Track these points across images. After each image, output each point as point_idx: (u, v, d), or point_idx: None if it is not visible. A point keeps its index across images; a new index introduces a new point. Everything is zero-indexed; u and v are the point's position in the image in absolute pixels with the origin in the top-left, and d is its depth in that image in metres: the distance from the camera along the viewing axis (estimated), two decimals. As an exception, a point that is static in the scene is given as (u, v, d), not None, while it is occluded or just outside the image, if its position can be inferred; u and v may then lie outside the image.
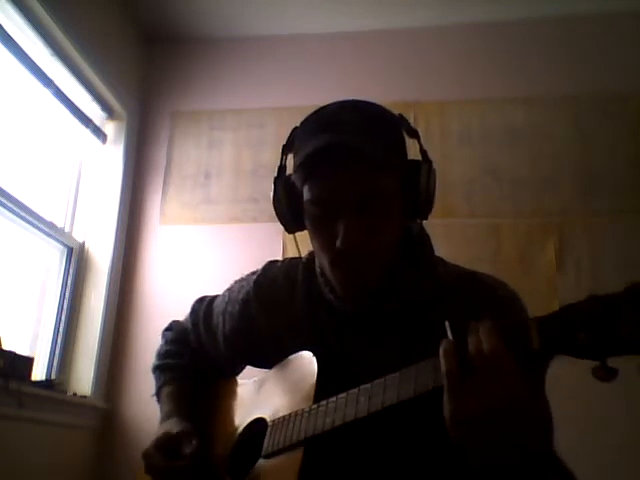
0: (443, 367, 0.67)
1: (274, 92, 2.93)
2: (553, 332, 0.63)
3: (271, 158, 2.81)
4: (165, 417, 1.11)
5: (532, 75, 2.76)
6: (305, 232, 0.96)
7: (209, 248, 2.77)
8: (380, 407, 0.76)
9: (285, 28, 2.98)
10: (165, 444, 1.01)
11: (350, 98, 0.93)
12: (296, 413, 0.88)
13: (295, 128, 0.96)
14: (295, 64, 2.96)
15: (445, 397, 0.67)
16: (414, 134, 0.93)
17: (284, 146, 0.97)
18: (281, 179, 0.96)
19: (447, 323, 0.70)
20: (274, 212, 0.97)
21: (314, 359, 0.91)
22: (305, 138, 0.89)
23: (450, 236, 2.48)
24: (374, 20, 2.90)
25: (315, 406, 0.85)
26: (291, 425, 0.87)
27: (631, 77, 2.67)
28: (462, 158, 2.66)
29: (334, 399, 0.83)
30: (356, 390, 0.80)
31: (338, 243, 0.84)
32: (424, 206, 0.91)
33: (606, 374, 0.60)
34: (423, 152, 0.93)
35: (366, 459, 0.86)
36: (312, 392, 0.88)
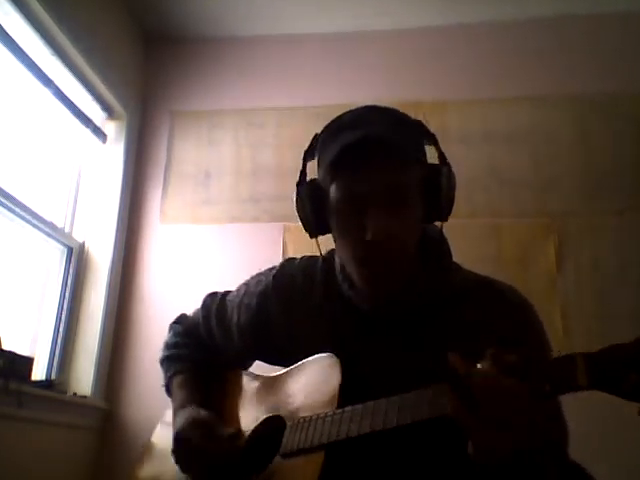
0: (449, 406, 0.69)
1: (274, 92, 2.93)
2: (602, 370, 0.63)
3: (271, 158, 2.81)
4: (180, 405, 1.10)
5: (533, 75, 2.75)
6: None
7: (209, 248, 2.77)
8: (409, 421, 0.76)
9: (284, 28, 2.98)
10: (203, 426, 1.01)
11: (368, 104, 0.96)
12: (318, 416, 0.88)
13: (316, 134, 0.97)
14: (295, 64, 2.96)
15: (469, 440, 0.69)
16: (432, 138, 0.95)
17: (305, 152, 0.98)
18: (304, 184, 0.96)
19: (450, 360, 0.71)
20: (297, 216, 0.98)
21: (338, 362, 0.91)
22: (331, 138, 0.91)
23: (450, 236, 2.46)
24: (375, 20, 2.90)
25: (340, 411, 0.85)
26: (312, 427, 0.87)
27: (632, 77, 2.67)
28: (463, 158, 2.65)
29: (360, 406, 0.83)
30: (385, 400, 0.80)
31: (368, 235, 0.85)
32: (445, 208, 0.93)
33: None
34: (441, 155, 0.94)
35: (388, 469, 0.86)
36: (335, 397, 0.88)
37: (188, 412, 1.05)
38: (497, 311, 0.90)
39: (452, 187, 0.93)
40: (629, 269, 2.44)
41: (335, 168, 0.88)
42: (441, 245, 0.97)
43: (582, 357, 0.64)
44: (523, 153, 2.68)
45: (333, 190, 0.90)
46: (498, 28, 2.85)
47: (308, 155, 0.98)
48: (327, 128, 0.96)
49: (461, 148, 2.68)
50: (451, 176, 0.93)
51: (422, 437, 0.82)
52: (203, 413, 1.04)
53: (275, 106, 2.90)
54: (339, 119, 0.95)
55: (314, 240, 0.98)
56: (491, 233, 2.57)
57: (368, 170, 0.86)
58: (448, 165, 0.93)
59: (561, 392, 0.67)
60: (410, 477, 0.86)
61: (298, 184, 0.97)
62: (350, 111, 0.95)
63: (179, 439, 1.01)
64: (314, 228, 0.96)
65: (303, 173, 0.98)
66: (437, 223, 0.96)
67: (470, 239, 2.54)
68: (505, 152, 2.69)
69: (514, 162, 2.67)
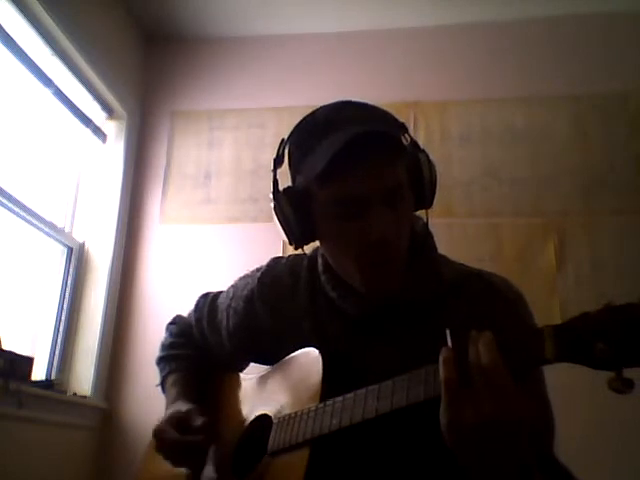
0: (441, 375, 0.68)
1: (274, 92, 2.93)
2: (569, 341, 0.62)
3: (271, 158, 2.80)
4: (171, 402, 1.11)
5: (532, 75, 2.75)
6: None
7: (209, 248, 2.77)
8: (389, 409, 0.75)
9: (285, 28, 2.98)
10: (176, 421, 1.02)
11: (337, 100, 0.93)
12: (302, 412, 0.88)
13: (284, 139, 0.95)
14: (295, 64, 2.96)
15: (442, 405, 0.68)
16: (403, 127, 0.93)
17: (275, 160, 0.95)
18: (282, 192, 0.93)
19: (448, 331, 0.70)
20: (279, 227, 0.94)
21: (320, 357, 0.90)
22: (313, 141, 0.88)
23: (450, 236, 2.48)
24: (374, 20, 2.90)
25: (321, 405, 0.85)
26: (297, 424, 0.87)
27: (631, 77, 2.67)
28: (462, 158, 2.66)
29: (341, 399, 0.82)
30: (363, 391, 0.80)
31: (373, 236, 0.84)
32: (430, 195, 0.92)
33: (622, 385, 0.59)
34: (415, 142, 0.93)
35: (372, 460, 0.86)
36: (318, 391, 0.87)
37: (172, 408, 1.07)
38: (488, 303, 0.90)
39: (434, 173, 0.93)
40: (629, 268, 2.44)
41: (329, 172, 0.83)
42: (426, 239, 0.96)
43: (549, 329, 0.64)
44: (522, 153, 2.68)
45: (328, 195, 0.86)
46: (497, 28, 2.85)
47: (278, 162, 0.95)
48: (300, 131, 0.92)
49: (460, 148, 2.68)
50: (430, 162, 0.92)
51: (405, 426, 0.81)
52: (184, 407, 1.04)
53: (275, 106, 2.90)
54: (312, 119, 0.91)
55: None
56: (490, 232, 2.57)
57: (364, 169, 0.84)
58: (424, 151, 0.92)
59: (530, 366, 0.67)
60: (395, 466, 0.86)
61: (275, 193, 0.93)
62: (321, 109, 0.92)
63: (155, 436, 1.02)
64: (300, 239, 0.93)
65: (276, 182, 0.94)
66: (422, 215, 0.96)
67: (469, 239, 2.54)
68: (504, 152, 2.69)
69: (513, 162, 2.67)
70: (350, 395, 0.81)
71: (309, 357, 0.92)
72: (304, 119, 0.93)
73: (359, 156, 0.82)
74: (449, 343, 0.70)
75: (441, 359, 0.69)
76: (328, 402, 0.84)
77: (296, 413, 0.89)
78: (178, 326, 1.26)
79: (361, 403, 0.79)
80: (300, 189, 0.91)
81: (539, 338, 0.64)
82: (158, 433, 1.02)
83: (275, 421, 0.94)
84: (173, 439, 1.00)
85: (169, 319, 1.31)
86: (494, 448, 0.66)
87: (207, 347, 1.19)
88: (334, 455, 0.85)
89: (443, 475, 0.83)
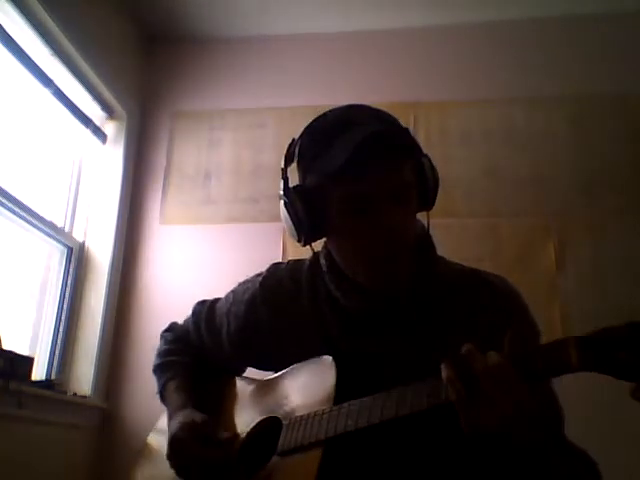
0: (451, 393, 0.71)
1: (274, 92, 2.93)
2: (593, 350, 0.66)
3: (271, 158, 2.81)
4: (176, 408, 1.09)
5: (532, 75, 2.76)
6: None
7: (209, 248, 2.77)
8: (408, 411, 0.77)
9: (285, 28, 2.98)
10: (195, 432, 1.00)
11: (345, 103, 0.95)
12: (315, 413, 0.88)
13: (294, 140, 0.96)
14: (295, 64, 2.96)
15: (460, 415, 0.71)
16: (407, 131, 0.95)
17: (286, 157, 0.97)
18: (294, 189, 0.94)
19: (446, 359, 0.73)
20: (289, 224, 0.95)
21: (333, 364, 0.91)
22: (324, 142, 0.89)
23: (450, 236, 2.48)
24: (374, 20, 2.90)
25: (336, 407, 0.85)
26: (309, 425, 0.88)
27: (631, 77, 2.67)
28: (462, 158, 2.66)
29: (357, 402, 0.83)
30: (380, 395, 0.81)
31: (381, 231, 0.86)
32: (432, 196, 0.95)
33: None
34: (418, 146, 0.94)
35: (386, 462, 0.87)
36: (331, 396, 0.88)
37: (183, 415, 1.04)
38: (485, 301, 0.92)
39: (437, 176, 0.95)
40: (629, 267, 2.44)
41: (344, 170, 0.85)
42: (425, 239, 0.97)
43: (574, 339, 0.67)
44: (522, 153, 2.68)
45: (341, 191, 0.88)
46: (496, 28, 2.85)
47: (289, 160, 0.96)
48: (312, 132, 0.94)
49: (460, 148, 2.68)
50: (433, 166, 0.95)
51: (419, 430, 0.82)
52: (198, 417, 1.02)
53: (275, 106, 2.90)
54: (323, 120, 0.93)
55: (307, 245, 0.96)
56: (490, 233, 2.57)
57: (376, 168, 0.86)
58: (426, 155, 0.95)
59: (554, 373, 0.70)
60: (408, 469, 0.86)
61: (286, 190, 0.94)
62: (332, 111, 0.94)
63: (173, 445, 1.00)
64: (309, 235, 0.94)
65: (286, 179, 0.95)
66: (423, 217, 0.98)
67: (469, 239, 2.54)
68: (504, 152, 2.69)
69: (513, 162, 2.67)
70: (366, 398, 0.82)
71: (322, 363, 0.93)
72: (315, 120, 0.95)
73: (372, 155, 0.84)
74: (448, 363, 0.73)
75: (444, 377, 0.72)
76: (343, 404, 0.84)
77: (308, 415, 0.89)
78: (174, 333, 1.25)
79: (379, 405, 0.80)
80: (312, 186, 0.92)
81: (565, 347, 0.67)
82: (176, 443, 1.00)
83: (285, 423, 0.94)
84: (194, 453, 0.98)
85: (169, 319, 1.30)
86: (515, 434, 0.72)
87: (205, 352, 1.18)
88: (347, 456, 0.85)
89: (458, 476, 0.84)
